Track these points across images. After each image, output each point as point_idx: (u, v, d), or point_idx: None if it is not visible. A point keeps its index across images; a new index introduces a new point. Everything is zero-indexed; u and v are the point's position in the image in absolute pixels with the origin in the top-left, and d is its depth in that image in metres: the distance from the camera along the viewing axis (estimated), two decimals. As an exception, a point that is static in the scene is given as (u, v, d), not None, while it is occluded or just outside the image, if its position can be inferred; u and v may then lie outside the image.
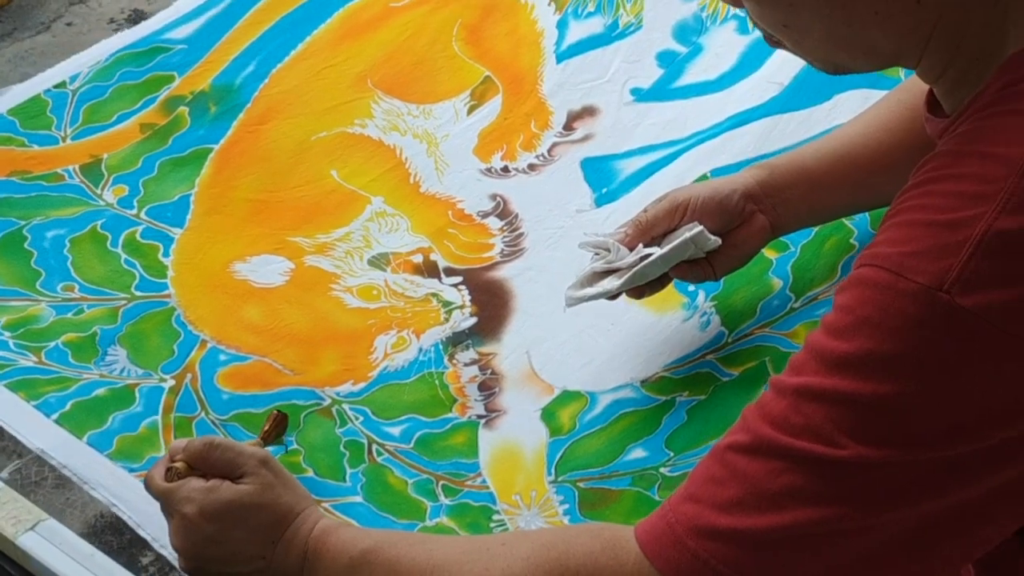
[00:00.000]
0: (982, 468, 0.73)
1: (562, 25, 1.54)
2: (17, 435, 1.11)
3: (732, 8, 1.49)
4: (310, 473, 1.09)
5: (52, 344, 1.19)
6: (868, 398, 0.73)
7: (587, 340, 1.18)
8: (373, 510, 1.06)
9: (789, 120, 1.36)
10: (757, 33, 1.45)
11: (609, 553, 0.82)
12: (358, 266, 1.28)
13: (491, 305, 1.23)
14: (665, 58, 1.48)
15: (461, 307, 1.23)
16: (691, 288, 1.21)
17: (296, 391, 1.16)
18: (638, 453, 1.09)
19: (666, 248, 1.09)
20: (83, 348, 1.19)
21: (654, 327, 1.19)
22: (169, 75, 1.49)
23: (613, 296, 1.11)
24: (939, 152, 0.78)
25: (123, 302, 1.24)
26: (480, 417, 1.13)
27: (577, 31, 1.53)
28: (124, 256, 1.29)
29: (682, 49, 1.49)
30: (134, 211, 1.34)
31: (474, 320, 1.21)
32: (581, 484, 1.07)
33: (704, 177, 1.31)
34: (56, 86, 1.48)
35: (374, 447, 1.11)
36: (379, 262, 1.28)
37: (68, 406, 1.13)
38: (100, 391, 1.15)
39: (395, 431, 1.12)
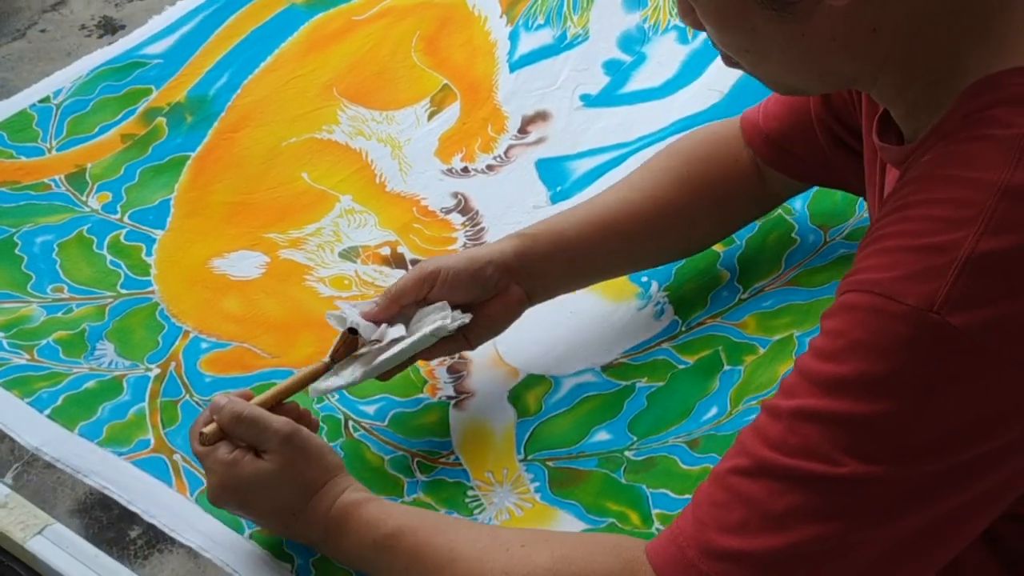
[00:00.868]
0: (973, 476, 0.74)
1: (514, 36, 1.58)
2: (14, 436, 1.13)
3: (674, 19, 1.54)
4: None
5: (43, 342, 1.21)
6: (864, 417, 0.74)
7: (548, 327, 1.20)
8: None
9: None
10: (697, 43, 1.53)
11: (628, 575, 0.84)
12: (330, 258, 1.31)
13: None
14: (611, 66, 1.53)
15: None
16: (644, 279, 1.23)
17: (275, 372, 1.17)
18: (603, 436, 1.10)
19: (411, 338, 1.06)
20: (73, 344, 1.21)
21: (611, 315, 1.21)
22: (147, 88, 1.53)
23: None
24: (910, 178, 0.77)
25: (110, 300, 1.26)
26: (450, 398, 1.15)
27: (528, 42, 1.57)
28: (109, 257, 1.31)
29: (627, 58, 1.53)
30: (118, 216, 1.37)
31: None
32: (550, 463, 1.09)
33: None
34: (41, 101, 1.51)
35: (350, 423, 1.13)
36: (349, 255, 1.31)
37: (60, 400, 1.16)
38: (90, 384, 1.17)
39: (370, 409, 1.14)
